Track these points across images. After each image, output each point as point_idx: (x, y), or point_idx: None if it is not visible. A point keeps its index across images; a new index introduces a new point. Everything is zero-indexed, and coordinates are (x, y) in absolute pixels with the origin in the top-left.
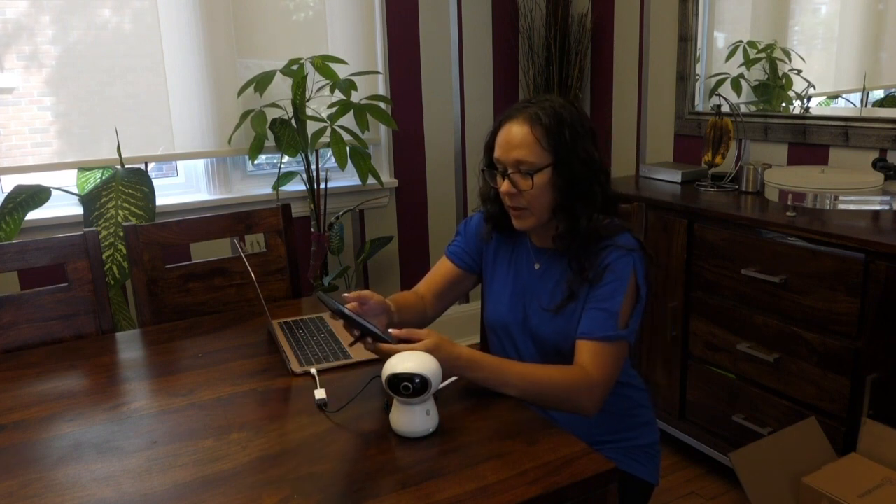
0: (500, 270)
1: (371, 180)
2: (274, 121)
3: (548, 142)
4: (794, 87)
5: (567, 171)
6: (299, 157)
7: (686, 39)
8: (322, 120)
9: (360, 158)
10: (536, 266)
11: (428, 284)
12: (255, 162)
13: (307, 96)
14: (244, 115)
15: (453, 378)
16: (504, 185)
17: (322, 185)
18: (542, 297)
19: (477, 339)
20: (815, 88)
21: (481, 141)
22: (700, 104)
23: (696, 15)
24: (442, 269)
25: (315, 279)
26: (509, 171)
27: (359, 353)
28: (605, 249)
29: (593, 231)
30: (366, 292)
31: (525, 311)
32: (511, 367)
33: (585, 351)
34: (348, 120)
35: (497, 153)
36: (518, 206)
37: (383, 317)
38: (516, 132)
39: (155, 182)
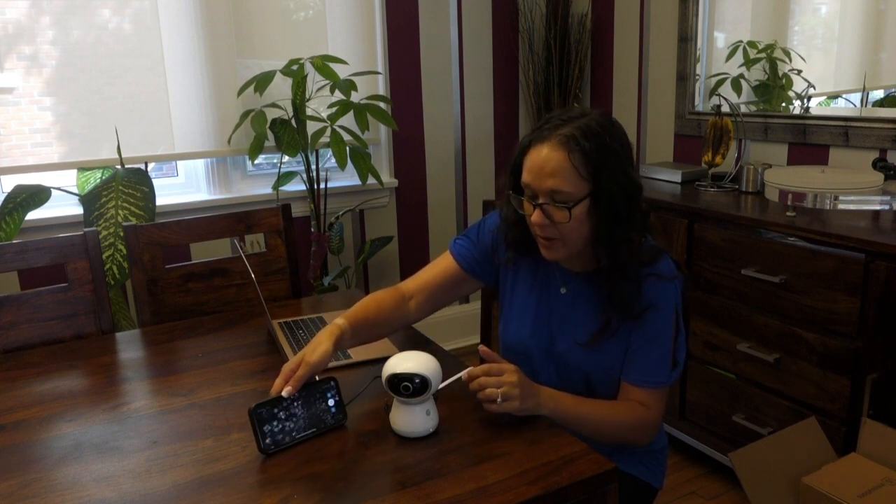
0: (520, 291)
1: (371, 180)
2: (274, 121)
3: (587, 170)
4: (794, 87)
5: (607, 201)
6: (299, 157)
7: (686, 39)
8: (322, 120)
9: (360, 158)
10: (563, 290)
11: (422, 281)
12: (255, 162)
13: (307, 96)
14: (244, 115)
15: (453, 378)
16: (535, 216)
17: (322, 185)
18: (576, 329)
19: (477, 339)
20: (815, 88)
21: (481, 141)
22: (700, 104)
23: (696, 15)
24: (442, 266)
25: (315, 279)
26: (541, 200)
27: (359, 353)
28: (646, 279)
29: (634, 258)
30: (291, 367)
31: (552, 337)
32: (586, 409)
33: (641, 395)
34: (348, 120)
35: (527, 178)
36: (549, 236)
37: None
38: (550, 157)
39: (155, 182)
